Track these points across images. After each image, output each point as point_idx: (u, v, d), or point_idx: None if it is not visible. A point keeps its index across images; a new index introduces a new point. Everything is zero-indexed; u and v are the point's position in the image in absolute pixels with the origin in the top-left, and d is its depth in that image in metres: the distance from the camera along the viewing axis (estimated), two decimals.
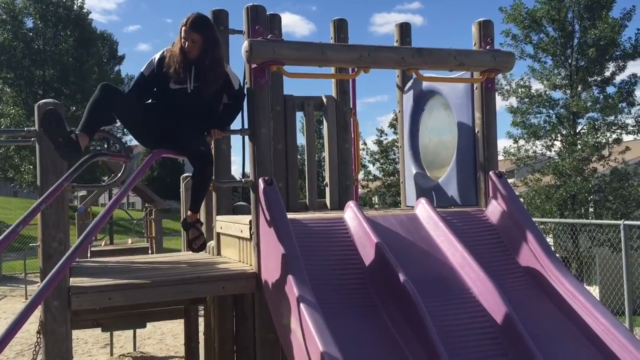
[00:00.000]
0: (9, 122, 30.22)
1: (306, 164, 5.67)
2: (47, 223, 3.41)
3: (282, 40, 3.72)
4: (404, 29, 5.39)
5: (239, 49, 3.67)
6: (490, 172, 4.15)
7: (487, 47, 4.11)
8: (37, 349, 5.18)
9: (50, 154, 3.39)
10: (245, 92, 3.82)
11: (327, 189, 5.57)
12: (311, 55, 3.70)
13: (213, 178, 4.36)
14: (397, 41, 5.40)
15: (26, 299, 12.36)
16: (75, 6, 33.97)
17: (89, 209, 12.83)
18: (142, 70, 3.74)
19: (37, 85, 32.58)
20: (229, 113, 3.89)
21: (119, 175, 4.11)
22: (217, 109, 3.84)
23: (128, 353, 7.56)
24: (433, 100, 4.97)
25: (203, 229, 3.98)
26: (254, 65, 3.65)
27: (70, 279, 3.49)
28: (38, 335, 4.85)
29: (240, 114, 3.97)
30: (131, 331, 7.65)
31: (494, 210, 4.06)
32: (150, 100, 3.77)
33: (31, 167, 30.72)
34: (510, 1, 22.43)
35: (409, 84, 5.24)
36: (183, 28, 3.57)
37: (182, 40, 3.57)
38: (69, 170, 3.18)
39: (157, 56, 3.73)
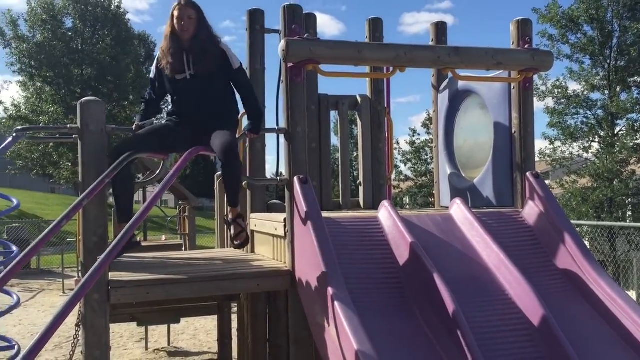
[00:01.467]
0: (47, 120, 30.91)
1: (340, 163, 5.68)
2: (88, 218, 3.49)
3: (319, 39, 3.74)
4: (440, 28, 5.35)
5: (273, 48, 3.72)
6: (527, 173, 4.10)
7: (526, 46, 4.06)
8: (75, 342, 5.30)
9: (92, 151, 3.47)
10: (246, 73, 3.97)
11: (361, 189, 5.57)
12: (347, 54, 3.70)
13: (246, 174, 4.43)
14: (432, 40, 5.36)
15: (63, 292, 12.65)
16: (112, 6, 34.61)
17: None
18: (150, 75, 3.97)
19: (75, 84, 33.27)
20: (251, 105, 3.86)
21: (157, 172, 4.18)
22: (230, 90, 3.82)
23: (162, 348, 7.66)
24: (469, 100, 4.93)
25: (246, 225, 3.97)
26: (290, 64, 3.68)
27: (110, 273, 3.56)
28: (77, 328, 4.96)
29: (276, 112, 4.01)
30: (165, 326, 7.76)
31: (531, 211, 4.01)
32: (168, 107, 3.91)
33: (69, 164, 31.43)
34: (543, 1, 22.09)
35: (445, 83, 5.20)
36: (177, 7, 3.63)
37: (177, 20, 3.62)
38: (109, 168, 3.25)
39: (157, 56, 3.88)
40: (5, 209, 4.23)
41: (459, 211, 3.94)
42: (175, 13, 3.64)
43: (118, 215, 3.57)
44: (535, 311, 3.09)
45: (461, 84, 4.86)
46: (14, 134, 3.67)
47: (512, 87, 4.25)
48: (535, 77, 4.23)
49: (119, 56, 33.33)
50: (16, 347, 3.60)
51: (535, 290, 3.17)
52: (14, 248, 3.79)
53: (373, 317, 3.13)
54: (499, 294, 3.32)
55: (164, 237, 15.84)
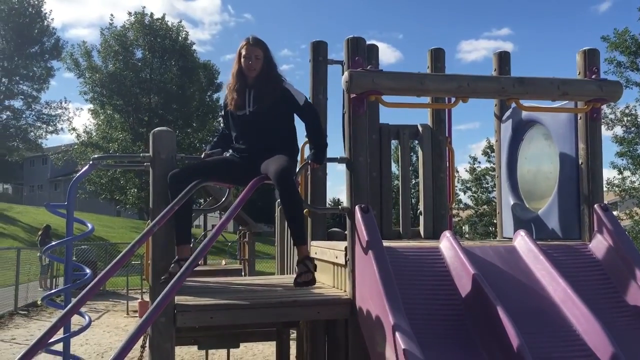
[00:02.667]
0: (116, 147, 32.20)
1: (400, 192, 5.68)
2: (157, 243, 3.63)
3: (382, 71, 3.80)
4: (503, 57, 5.33)
5: (335, 78, 3.79)
6: (595, 205, 3.99)
7: (593, 77, 3.99)
8: None
9: (163, 178, 3.62)
10: (313, 106, 4.00)
11: (421, 218, 5.54)
12: (410, 86, 3.74)
13: (306, 203, 4.46)
14: (495, 70, 5.34)
15: (127, 314, 13.02)
16: (180, 37, 35.97)
17: None
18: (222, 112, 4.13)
19: (143, 112, 34.59)
20: (315, 137, 3.90)
21: (224, 199, 4.31)
22: (286, 127, 3.87)
23: None
24: (533, 130, 4.86)
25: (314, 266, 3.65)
26: (353, 95, 3.75)
27: (175, 297, 3.68)
28: (142, 349, 5.12)
29: (343, 142, 4.02)
30: (225, 351, 7.85)
31: (599, 245, 3.89)
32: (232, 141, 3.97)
33: (135, 189, 32.52)
34: (605, 29, 21.51)
35: (508, 112, 5.15)
36: (245, 46, 3.74)
37: (244, 59, 3.73)
38: (179, 195, 3.38)
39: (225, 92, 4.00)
40: (79, 233, 4.44)
41: (523, 243, 3.87)
42: (243, 52, 3.75)
43: (177, 237, 3.63)
44: (605, 349, 2.99)
45: (525, 113, 4.80)
46: (91, 162, 3.87)
47: (578, 117, 4.18)
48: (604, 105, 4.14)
49: (185, 85, 34.49)
50: None
51: (605, 327, 3.07)
52: (87, 270, 3.97)
53: (434, 348, 3.09)
54: (565, 330, 3.23)
55: (223, 262, 16.11)
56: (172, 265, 3.52)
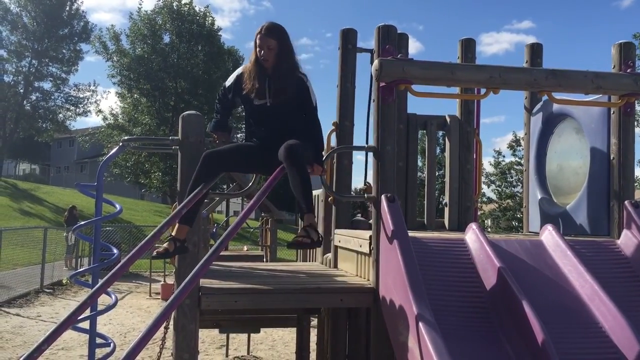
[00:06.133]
0: (141, 130, 32.50)
1: (426, 183, 5.65)
2: None
3: (412, 59, 3.76)
4: (535, 49, 5.25)
5: (364, 67, 3.75)
6: (626, 202, 3.93)
7: (628, 70, 3.91)
8: (162, 343, 5.55)
9: (191, 161, 3.65)
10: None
11: (446, 210, 5.51)
12: (440, 75, 3.70)
13: (330, 190, 4.43)
14: (526, 62, 5.26)
15: (150, 296, 13.20)
16: (207, 23, 36.07)
17: (210, 216, 13.51)
18: (225, 82, 3.87)
19: (169, 96, 34.83)
20: (316, 141, 3.68)
21: (248, 186, 4.33)
22: (301, 120, 3.67)
23: (242, 356, 7.84)
24: (564, 124, 4.79)
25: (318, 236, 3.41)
26: (382, 84, 3.72)
27: (200, 280, 3.71)
28: (165, 330, 5.20)
29: (366, 131, 3.96)
30: (245, 335, 7.94)
31: (628, 241, 3.83)
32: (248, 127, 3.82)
33: (159, 173, 32.83)
34: (631, 25, 20.97)
35: (538, 106, 5.08)
36: (258, 36, 3.57)
37: (258, 49, 3.57)
38: (205, 178, 3.40)
39: (238, 71, 3.81)
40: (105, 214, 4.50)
41: (550, 238, 3.82)
42: (257, 41, 3.58)
43: (182, 217, 3.38)
44: (631, 347, 2.95)
45: (556, 106, 4.73)
46: (120, 144, 3.91)
47: (611, 112, 4.10)
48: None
49: (211, 70, 34.62)
50: (112, 344, 3.81)
51: (632, 325, 3.03)
52: (115, 250, 4.03)
53: (457, 339, 3.08)
54: (591, 326, 3.19)
55: (245, 248, 16.24)
56: (168, 242, 3.36)
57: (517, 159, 24.87)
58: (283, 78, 3.58)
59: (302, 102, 3.65)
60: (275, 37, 3.56)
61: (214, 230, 12.95)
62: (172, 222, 3.03)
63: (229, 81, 3.82)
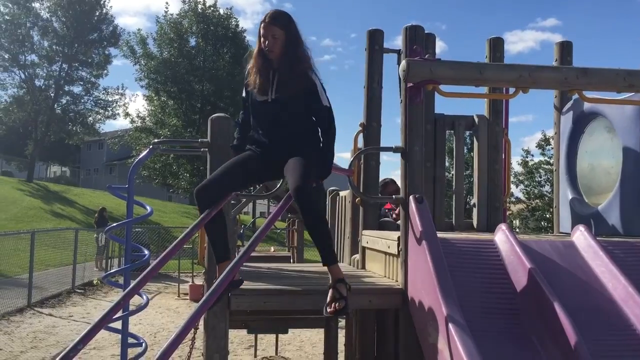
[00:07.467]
0: (168, 132, 32.91)
1: (454, 183, 5.61)
2: None
3: (440, 60, 3.74)
4: (565, 47, 5.18)
5: (390, 67, 3.73)
6: None
7: None
8: (192, 343, 5.59)
9: (219, 164, 3.67)
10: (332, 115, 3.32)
11: (475, 210, 5.47)
12: (468, 75, 3.67)
13: (358, 191, 4.41)
14: (556, 60, 5.19)
15: (178, 296, 13.36)
16: (231, 25, 36.36)
17: (238, 217, 13.62)
18: (243, 94, 3.51)
19: (196, 99, 35.21)
20: (326, 145, 3.32)
21: (275, 188, 4.36)
22: (310, 120, 3.32)
23: (270, 356, 7.89)
24: (595, 123, 4.72)
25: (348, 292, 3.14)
26: (409, 84, 3.71)
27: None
28: (195, 330, 5.24)
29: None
30: (273, 336, 7.98)
31: None
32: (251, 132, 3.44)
33: (187, 175, 33.20)
34: None
35: (568, 104, 5.01)
36: (262, 25, 3.22)
37: (262, 39, 3.22)
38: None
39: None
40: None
41: (582, 238, 3.77)
42: (261, 31, 3.23)
43: (215, 256, 3.25)
44: None
45: (587, 105, 4.66)
46: (151, 146, 3.97)
47: None
48: None
49: (236, 72, 34.91)
50: (143, 344, 3.87)
51: None
52: (146, 251, 4.09)
53: (487, 341, 3.06)
54: (625, 329, 3.14)
55: (272, 249, 16.32)
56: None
57: (545, 158, 24.56)
58: (289, 70, 3.21)
59: (310, 102, 3.25)
60: (280, 25, 3.20)
61: (242, 231, 13.03)
62: (201, 225, 3.06)
63: (244, 91, 3.49)
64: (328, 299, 3.07)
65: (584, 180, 4.89)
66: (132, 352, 4.00)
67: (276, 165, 3.21)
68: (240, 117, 3.55)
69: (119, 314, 3.42)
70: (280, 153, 3.20)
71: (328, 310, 3.04)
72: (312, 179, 3.12)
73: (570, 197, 4.91)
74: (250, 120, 3.42)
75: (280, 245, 18.67)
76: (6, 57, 38.68)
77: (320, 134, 3.32)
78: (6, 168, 47.10)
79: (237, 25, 36.76)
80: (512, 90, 3.81)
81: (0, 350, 7.84)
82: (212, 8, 35.69)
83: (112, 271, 4.37)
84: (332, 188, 6.49)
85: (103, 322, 2.48)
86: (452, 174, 5.68)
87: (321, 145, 3.32)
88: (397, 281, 3.92)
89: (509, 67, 3.77)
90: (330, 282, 3.11)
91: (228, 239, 3.30)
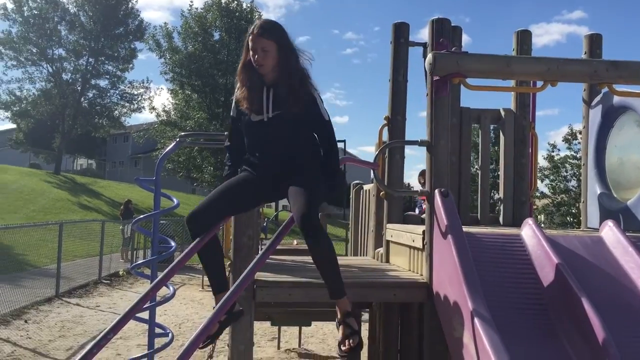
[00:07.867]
0: (193, 125, 33.14)
1: (479, 177, 5.57)
2: (240, 220, 3.73)
3: (466, 52, 3.72)
4: (594, 40, 5.09)
5: (415, 61, 3.70)
6: None
7: None
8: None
9: None
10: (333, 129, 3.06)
11: (501, 204, 5.42)
12: (496, 68, 3.64)
13: (383, 185, 4.40)
14: (585, 53, 5.11)
15: (202, 288, 13.48)
16: (254, 19, 36.41)
17: (261, 210, 13.68)
18: (231, 113, 3.16)
19: (219, 92, 35.37)
20: (330, 163, 3.05)
21: None
22: (311, 139, 3.05)
23: (294, 348, 7.94)
24: (625, 117, 4.64)
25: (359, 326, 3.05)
26: (435, 78, 3.69)
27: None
28: (217, 323, 5.30)
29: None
30: (296, 328, 8.03)
31: None
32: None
33: (211, 167, 33.41)
34: None
35: (597, 98, 4.94)
36: (249, 37, 2.93)
37: (251, 52, 2.94)
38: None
39: (236, 94, 3.11)
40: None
41: (611, 234, 3.72)
42: (250, 44, 2.94)
43: (212, 286, 3.06)
44: None
45: (616, 99, 4.58)
46: (178, 139, 4.01)
47: None
48: None
49: None
50: (170, 334, 3.92)
51: None
52: (172, 243, 4.14)
53: (513, 336, 3.04)
54: None
55: (295, 242, 16.36)
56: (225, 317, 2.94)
57: (572, 152, 24.19)
58: (285, 85, 2.93)
59: (311, 118, 2.98)
60: (270, 37, 2.91)
61: (265, 224, 13.09)
62: (228, 217, 3.08)
63: (232, 111, 3.14)
64: (340, 336, 2.89)
65: (613, 175, 4.81)
66: (157, 342, 4.06)
67: (276, 188, 2.98)
68: (230, 142, 3.19)
69: (147, 304, 3.47)
70: (281, 175, 2.94)
71: (343, 349, 2.86)
72: (319, 203, 2.90)
73: (598, 192, 4.84)
74: (243, 143, 3.08)
75: (303, 239, 18.67)
76: (34, 51, 39.32)
77: (322, 152, 3.05)
78: (34, 160, 47.92)
79: (260, 19, 36.83)
80: (539, 83, 3.77)
81: (30, 338, 8.01)
82: (235, 2, 35.80)
83: (139, 262, 4.44)
84: (355, 181, 6.49)
85: (132, 312, 2.52)
86: (477, 168, 5.64)
87: (326, 163, 3.03)
88: (421, 275, 3.92)
89: (537, 59, 3.73)
90: (339, 317, 2.91)
91: (225, 268, 3.13)
